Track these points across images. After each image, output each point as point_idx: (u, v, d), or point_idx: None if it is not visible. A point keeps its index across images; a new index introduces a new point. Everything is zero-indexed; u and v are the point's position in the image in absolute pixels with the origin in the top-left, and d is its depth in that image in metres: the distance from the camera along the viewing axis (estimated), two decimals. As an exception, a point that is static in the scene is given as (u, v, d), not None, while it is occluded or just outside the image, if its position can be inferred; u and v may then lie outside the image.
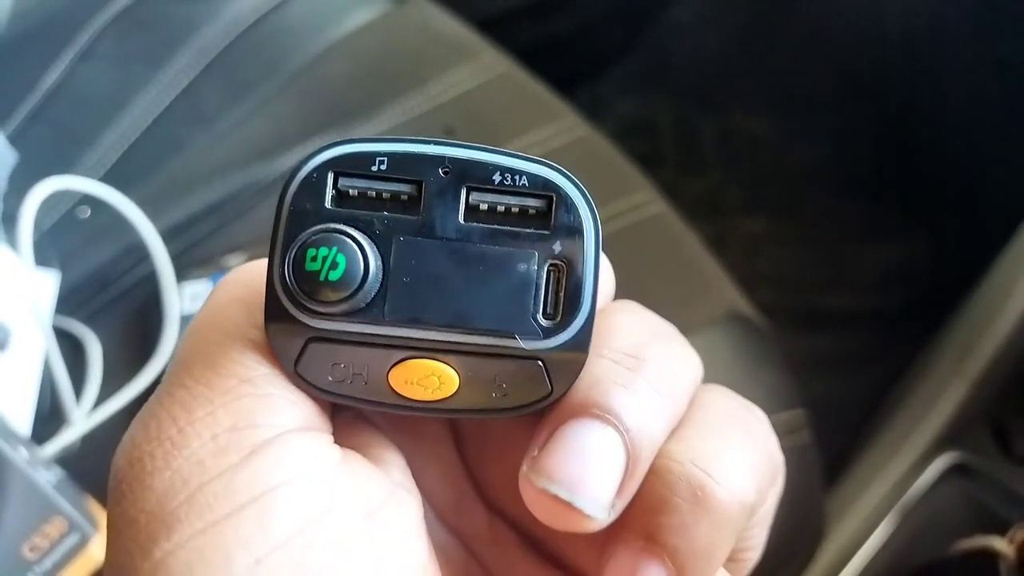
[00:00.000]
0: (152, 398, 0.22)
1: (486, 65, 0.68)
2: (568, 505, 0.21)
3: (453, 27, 0.71)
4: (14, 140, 0.62)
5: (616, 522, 0.22)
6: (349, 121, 0.65)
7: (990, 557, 0.58)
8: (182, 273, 0.60)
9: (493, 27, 0.75)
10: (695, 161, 1.15)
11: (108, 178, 0.62)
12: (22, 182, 0.60)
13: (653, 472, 0.22)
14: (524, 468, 0.22)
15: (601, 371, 0.22)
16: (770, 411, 0.59)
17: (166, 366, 0.58)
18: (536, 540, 0.27)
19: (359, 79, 0.67)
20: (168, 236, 0.61)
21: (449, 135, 0.65)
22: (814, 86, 1.13)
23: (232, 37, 0.66)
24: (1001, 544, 0.58)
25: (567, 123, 0.67)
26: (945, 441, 0.72)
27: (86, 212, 0.62)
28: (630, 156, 0.68)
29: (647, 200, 0.64)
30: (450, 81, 0.67)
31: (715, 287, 0.62)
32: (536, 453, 0.22)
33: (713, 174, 1.14)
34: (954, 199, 1.04)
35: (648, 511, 0.22)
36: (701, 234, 0.65)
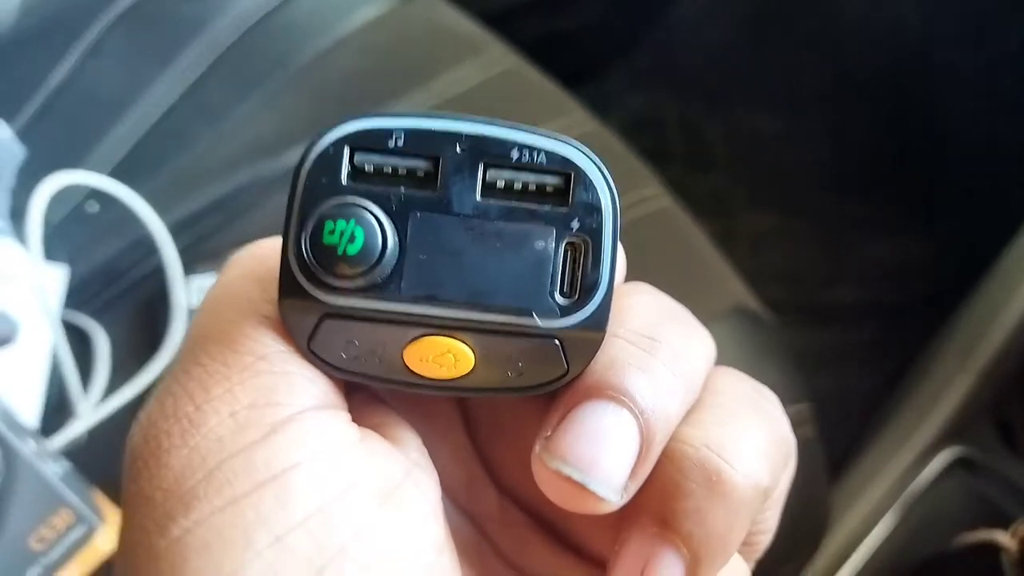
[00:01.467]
0: (168, 376, 0.22)
1: (493, 60, 0.68)
2: (581, 487, 0.21)
3: (460, 22, 0.71)
4: (23, 135, 0.62)
5: (630, 506, 0.22)
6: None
7: (992, 551, 0.59)
8: (189, 267, 0.61)
9: (500, 22, 0.75)
10: (701, 157, 1.15)
11: (116, 173, 0.63)
12: (31, 177, 0.60)
13: (667, 457, 0.22)
14: (537, 449, 0.22)
15: (616, 352, 0.22)
16: (775, 405, 0.59)
17: (174, 358, 0.58)
18: (547, 522, 0.27)
19: (366, 74, 0.67)
20: (176, 230, 0.61)
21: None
22: (819, 83, 1.13)
23: (240, 33, 0.67)
24: (1003, 538, 0.58)
25: (575, 118, 0.67)
26: (949, 435, 0.73)
27: (95, 207, 0.62)
28: (636, 152, 0.68)
29: (654, 194, 0.64)
30: (457, 76, 0.67)
31: (721, 281, 0.62)
32: (549, 434, 0.22)
33: (719, 170, 1.14)
34: (959, 194, 1.04)
35: (663, 496, 0.22)
36: (708, 230, 0.66)
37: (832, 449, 0.64)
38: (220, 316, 0.22)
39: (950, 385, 0.74)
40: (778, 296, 0.96)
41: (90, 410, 0.58)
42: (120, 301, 0.61)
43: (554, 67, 0.73)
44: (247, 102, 0.65)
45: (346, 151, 0.21)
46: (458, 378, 0.22)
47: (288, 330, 0.22)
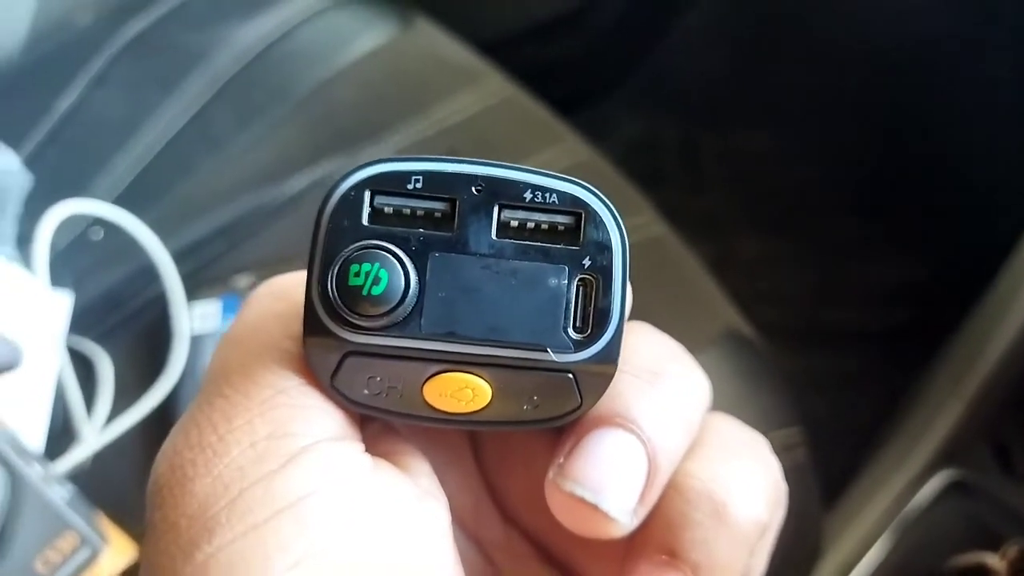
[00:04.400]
0: (192, 406, 0.23)
1: (491, 90, 0.69)
2: (594, 508, 0.23)
3: (458, 52, 0.72)
4: (30, 163, 0.63)
5: (637, 538, 0.24)
6: (356, 145, 0.66)
7: (983, 573, 0.59)
8: (192, 293, 0.61)
9: (499, 50, 0.76)
10: (697, 180, 1.16)
11: (121, 200, 0.64)
12: (37, 204, 0.61)
13: (675, 489, 0.24)
14: (551, 475, 0.23)
15: (623, 384, 0.23)
16: (767, 429, 0.60)
17: (176, 384, 0.59)
18: (550, 553, 0.28)
19: (366, 104, 0.68)
20: (179, 257, 0.62)
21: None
22: (815, 105, 1.14)
23: (243, 63, 0.68)
24: (993, 560, 0.58)
25: (569, 146, 0.68)
26: (943, 458, 0.73)
27: (99, 234, 0.63)
28: (634, 175, 0.69)
29: (646, 222, 0.65)
30: (455, 106, 0.68)
31: (713, 307, 0.63)
32: (562, 460, 0.23)
33: (715, 193, 1.15)
34: (954, 218, 1.05)
35: (670, 526, 0.23)
36: (703, 252, 0.66)
37: (827, 473, 0.64)
38: (242, 350, 0.23)
39: (944, 408, 0.74)
40: (773, 319, 0.97)
41: (94, 434, 0.58)
42: (124, 327, 0.62)
43: (552, 93, 0.74)
44: (249, 131, 0.66)
45: (367, 195, 0.21)
46: (475, 412, 0.23)
47: (312, 367, 0.22)
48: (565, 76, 1.10)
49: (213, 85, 0.67)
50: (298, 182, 0.64)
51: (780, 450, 0.57)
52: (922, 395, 0.80)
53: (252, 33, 0.68)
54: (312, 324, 0.21)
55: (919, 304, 1.05)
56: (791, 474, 0.58)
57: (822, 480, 0.62)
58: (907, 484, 0.73)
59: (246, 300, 0.25)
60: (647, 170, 1.13)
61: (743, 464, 0.24)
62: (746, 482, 0.24)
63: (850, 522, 0.74)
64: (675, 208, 0.70)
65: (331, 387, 0.23)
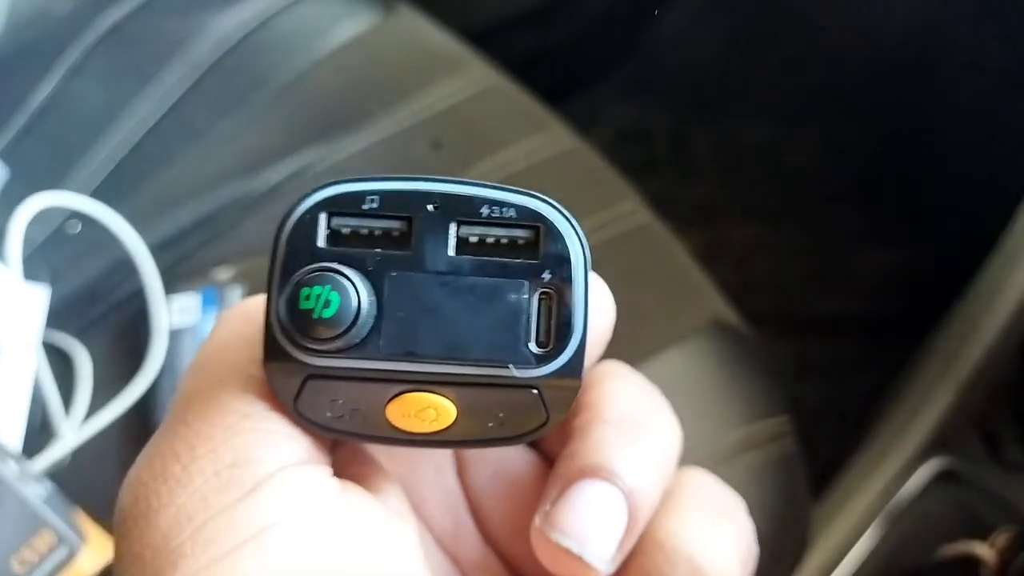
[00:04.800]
0: (156, 434, 0.23)
1: (474, 78, 0.69)
2: (578, 558, 0.24)
3: (442, 40, 0.72)
4: (5, 155, 0.63)
5: None
6: (337, 134, 0.65)
7: (973, 562, 0.59)
8: (171, 286, 0.61)
9: (488, 38, 0.76)
10: (689, 168, 1.15)
11: (99, 192, 0.63)
12: (12, 197, 0.60)
13: (657, 546, 0.24)
14: (537, 521, 0.24)
15: (607, 436, 0.24)
16: (753, 418, 0.60)
17: (156, 379, 0.59)
18: None
19: (347, 92, 0.68)
20: (157, 250, 0.61)
21: (437, 148, 0.65)
22: (807, 93, 1.13)
23: (221, 52, 0.67)
24: (982, 549, 0.58)
25: (554, 134, 0.67)
26: (933, 446, 0.73)
27: (76, 227, 0.62)
28: (625, 164, 0.68)
29: (632, 210, 0.64)
30: (438, 94, 0.67)
31: (700, 296, 0.62)
32: (549, 508, 0.24)
33: (707, 181, 1.14)
34: (944, 206, 1.05)
35: None
36: (695, 241, 0.66)
37: (820, 461, 0.64)
38: (207, 375, 0.23)
39: (934, 396, 0.74)
40: (764, 307, 0.96)
41: (72, 431, 0.58)
42: (102, 321, 0.61)
43: (542, 80, 0.74)
44: (228, 121, 0.66)
45: (323, 216, 0.21)
46: (440, 431, 0.23)
47: (275, 392, 0.22)
48: (555, 64, 1.09)
49: (191, 75, 0.66)
50: (278, 172, 0.63)
51: (766, 439, 0.57)
52: (911, 383, 0.80)
53: (230, 21, 0.68)
54: (271, 348, 0.21)
55: (911, 292, 1.05)
56: (778, 464, 0.58)
57: (811, 469, 0.61)
58: (896, 473, 0.72)
59: (215, 322, 0.25)
60: (638, 158, 1.13)
61: (722, 529, 0.25)
62: (724, 547, 0.25)
63: (839, 511, 0.74)
64: (666, 196, 0.70)
65: (295, 411, 0.22)
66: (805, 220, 1.11)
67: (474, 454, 0.28)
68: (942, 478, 0.71)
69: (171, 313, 0.60)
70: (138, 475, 0.22)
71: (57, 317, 0.60)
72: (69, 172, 0.64)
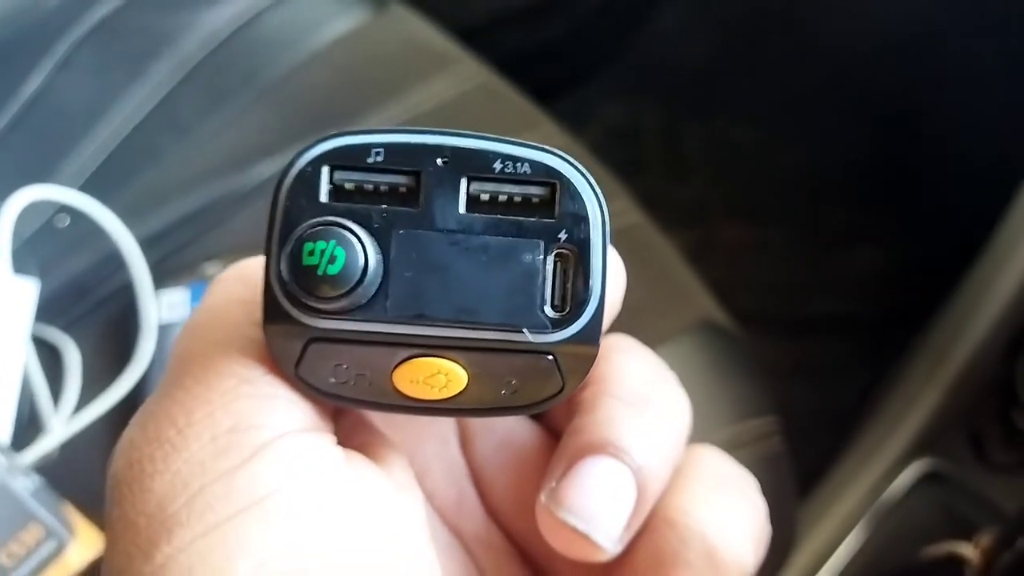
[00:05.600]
0: (150, 399, 0.22)
1: (465, 76, 0.69)
2: (584, 536, 0.23)
3: (433, 37, 0.72)
4: (-6, 149, 0.63)
5: (625, 566, 0.24)
6: (327, 131, 0.64)
7: (957, 563, 0.59)
8: (160, 281, 0.61)
9: (479, 35, 0.76)
10: (680, 167, 1.15)
11: (87, 187, 0.63)
12: (1, 191, 0.60)
13: (668, 524, 0.24)
14: (543, 498, 0.23)
15: (613, 410, 0.24)
16: (741, 418, 0.60)
17: (145, 373, 0.59)
18: (529, 554, 0.28)
19: (338, 89, 0.68)
20: (146, 245, 0.61)
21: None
22: (797, 93, 1.14)
23: (211, 47, 0.67)
24: (967, 549, 0.59)
25: (545, 132, 0.67)
26: (919, 447, 0.73)
27: (65, 221, 0.62)
28: (616, 162, 0.69)
29: (623, 210, 0.64)
30: (429, 91, 0.67)
31: (689, 295, 0.63)
32: (555, 485, 0.23)
33: (697, 180, 1.14)
34: (932, 207, 1.05)
35: (661, 562, 0.23)
36: (685, 240, 0.66)
37: (804, 461, 0.64)
38: (204, 339, 0.22)
39: (920, 397, 0.74)
40: (754, 307, 0.97)
41: (61, 424, 0.58)
42: (91, 315, 0.61)
43: (534, 79, 0.74)
44: (217, 116, 0.65)
45: (325, 170, 0.20)
46: (450, 398, 0.22)
47: (274, 356, 0.21)
48: (546, 62, 1.09)
49: (180, 70, 0.66)
50: (267, 168, 0.63)
51: (754, 439, 0.57)
52: (898, 384, 0.80)
53: (220, 16, 0.68)
54: (272, 310, 0.20)
55: (899, 293, 1.05)
56: (766, 463, 0.58)
57: (799, 469, 0.62)
58: (882, 473, 0.73)
59: (210, 285, 0.24)
60: (629, 157, 1.13)
61: (736, 507, 0.24)
62: (738, 526, 0.24)
63: (825, 511, 0.74)
64: (657, 196, 0.70)
65: (296, 376, 0.21)
66: (795, 220, 1.11)
67: (478, 424, 0.27)
68: (928, 479, 0.72)
69: (160, 308, 0.60)
70: (131, 439, 0.21)
71: (46, 311, 0.60)
72: (58, 166, 0.64)
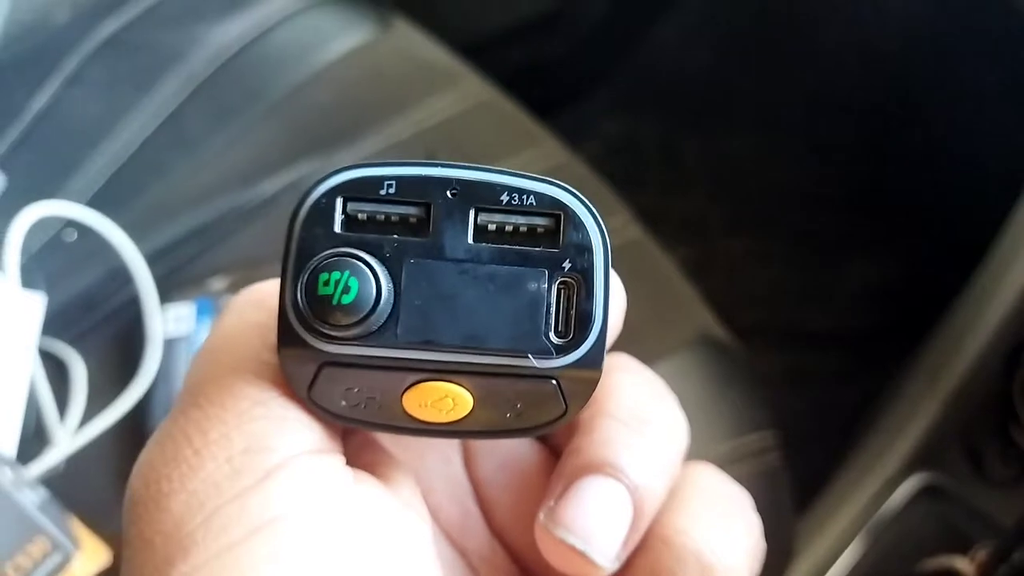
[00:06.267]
0: (167, 419, 0.22)
1: (469, 92, 0.69)
2: (581, 554, 0.23)
3: (436, 54, 0.72)
4: (3, 164, 0.63)
5: None
6: (332, 147, 0.66)
7: (953, 577, 0.59)
8: (166, 296, 0.61)
9: (479, 52, 0.76)
10: (679, 181, 1.16)
11: (95, 202, 0.63)
12: (10, 206, 0.61)
13: (665, 544, 0.24)
14: (542, 517, 0.24)
15: (613, 431, 0.24)
16: (739, 432, 0.60)
17: (150, 387, 0.59)
18: (531, 572, 0.28)
19: (342, 106, 0.68)
20: (152, 259, 0.62)
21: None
22: (796, 107, 1.14)
23: (218, 64, 0.68)
24: (962, 564, 0.59)
25: (546, 148, 0.68)
26: (917, 462, 0.73)
27: (72, 235, 0.63)
28: (615, 176, 0.69)
29: (623, 225, 0.65)
30: (433, 108, 0.68)
31: (688, 310, 0.63)
32: (553, 504, 0.24)
33: (696, 194, 1.15)
34: (931, 221, 1.05)
35: None
36: (685, 254, 0.66)
37: (807, 474, 0.64)
38: (219, 361, 0.23)
39: (918, 411, 0.74)
40: (753, 319, 0.97)
41: (67, 438, 0.58)
42: (97, 329, 0.62)
43: (534, 93, 0.74)
44: (224, 133, 0.66)
45: (339, 201, 0.21)
46: (457, 421, 0.23)
47: (288, 379, 0.22)
48: (546, 77, 1.10)
49: (188, 86, 0.67)
50: (273, 184, 0.64)
51: (752, 454, 0.58)
52: (897, 398, 0.80)
53: (228, 34, 0.68)
54: (286, 335, 0.21)
55: (898, 306, 1.05)
56: (764, 478, 0.59)
57: (796, 482, 0.62)
58: (880, 487, 0.73)
59: (225, 308, 0.25)
60: (628, 171, 1.13)
61: (731, 525, 0.25)
62: (733, 545, 0.24)
63: (823, 525, 0.74)
64: (657, 209, 0.70)
65: (308, 399, 0.22)
66: (793, 232, 1.11)
67: (482, 444, 0.28)
68: (925, 493, 0.72)
69: (166, 322, 0.60)
70: (149, 459, 0.22)
71: (53, 325, 0.61)
72: (66, 181, 0.64)
